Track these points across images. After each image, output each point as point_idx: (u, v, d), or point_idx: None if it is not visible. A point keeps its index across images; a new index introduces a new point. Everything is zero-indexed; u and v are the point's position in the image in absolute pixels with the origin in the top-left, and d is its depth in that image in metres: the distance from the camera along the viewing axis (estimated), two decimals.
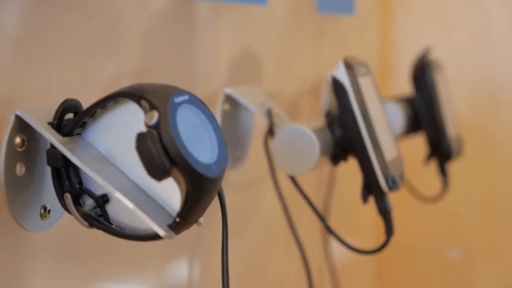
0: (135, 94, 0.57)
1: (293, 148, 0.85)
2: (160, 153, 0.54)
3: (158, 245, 0.80)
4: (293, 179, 0.88)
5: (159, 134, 0.55)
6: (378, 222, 0.99)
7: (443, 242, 1.57)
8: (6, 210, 0.60)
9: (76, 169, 0.60)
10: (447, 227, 1.56)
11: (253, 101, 0.91)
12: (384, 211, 0.86)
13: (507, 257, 1.51)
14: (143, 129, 0.55)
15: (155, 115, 0.55)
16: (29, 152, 0.61)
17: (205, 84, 0.91)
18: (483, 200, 1.51)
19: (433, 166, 1.23)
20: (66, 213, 0.62)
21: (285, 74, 1.12)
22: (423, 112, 1.17)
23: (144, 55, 0.79)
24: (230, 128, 0.92)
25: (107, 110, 0.60)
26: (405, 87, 1.27)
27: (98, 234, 0.62)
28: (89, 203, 0.61)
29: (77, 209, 0.60)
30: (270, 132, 0.88)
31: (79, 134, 0.61)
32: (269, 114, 0.90)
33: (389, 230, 0.85)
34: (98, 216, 0.60)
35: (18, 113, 0.60)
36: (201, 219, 0.61)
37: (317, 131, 0.85)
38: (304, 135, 0.84)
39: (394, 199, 1.42)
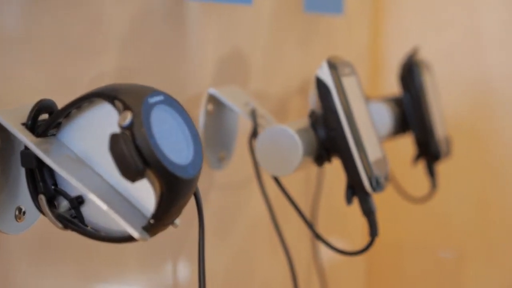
0: (109, 95, 0.57)
1: (276, 148, 0.84)
2: (133, 154, 0.54)
3: (140, 245, 0.79)
4: (276, 180, 0.87)
5: (133, 135, 0.54)
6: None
7: (434, 242, 1.57)
8: None
9: (50, 170, 0.60)
10: (439, 228, 1.56)
11: (237, 101, 0.90)
12: (368, 212, 0.85)
13: (499, 257, 1.51)
14: (117, 130, 0.55)
15: (128, 116, 0.55)
16: (3, 153, 0.61)
17: (191, 84, 0.91)
18: (475, 200, 1.51)
19: (422, 166, 1.22)
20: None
21: (272, 74, 1.12)
22: (411, 112, 1.16)
23: (127, 55, 0.79)
24: (214, 129, 0.92)
25: (82, 110, 0.60)
26: (396, 87, 1.26)
27: (76, 235, 0.61)
28: (64, 204, 0.60)
29: (51, 211, 0.59)
30: (254, 132, 0.88)
31: (54, 135, 0.61)
32: (253, 114, 0.89)
33: (373, 231, 0.85)
34: (73, 218, 0.60)
35: None
36: (178, 221, 0.61)
37: (300, 132, 0.85)
38: (287, 136, 0.84)
39: (386, 199, 1.42)
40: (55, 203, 0.60)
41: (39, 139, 0.59)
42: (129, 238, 0.58)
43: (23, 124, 0.60)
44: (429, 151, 1.17)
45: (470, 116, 1.50)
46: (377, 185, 0.84)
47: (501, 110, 1.47)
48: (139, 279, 0.85)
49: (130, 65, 0.79)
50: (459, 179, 1.51)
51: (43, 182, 0.60)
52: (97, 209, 0.58)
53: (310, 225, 0.89)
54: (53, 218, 0.59)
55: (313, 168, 1.19)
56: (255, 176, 0.91)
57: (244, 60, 1.03)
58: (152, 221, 0.57)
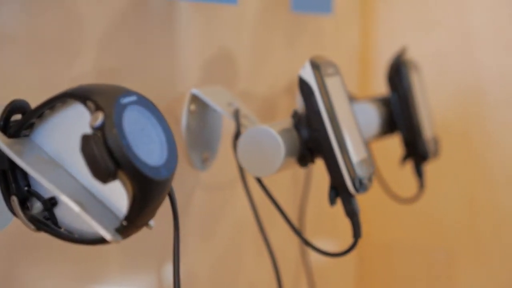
0: (81, 95, 0.56)
1: (258, 149, 0.83)
2: (104, 155, 0.53)
3: (122, 247, 0.79)
4: (259, 181, 0.86)
5: (104, 136, 0.54)
6: None
7: (425, 243, 1.56)
8: None
9: (23, 171, 0.59)
10: (429, 228, 1.55)
11: (219, 102, 0.89)
12: (352, 213, 0.84)
13: (489, 257, 1.50)
14: (89, 130, 0.54)
15: (100, 117, 0.54)
16: None
17: (176, 84, 0.90)
18: (465, 201, 1.50)
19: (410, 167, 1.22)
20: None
21: (259, 74, 1.11)
22: (399, 113, 1.16)
23: (109, 55, 0.78)
24: (197, 129, 0.91)
25: (55, 111, 0.59)
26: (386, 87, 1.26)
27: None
28: (37, 206, 0.60)
29: (24, 213, 0.59)
30: (237, 133, 0.87)
31: (27, 135, 0.60)
32: (236, 114, 0.88)
33: (356, 232, 0.84)
34: (46, 220, 0.59)
35: None
36: (152, 222, 0.60)
37: (283, 132, 0.84)
38: (269, 136, 0.83)
39: (376, 200, 1.41)
40: (28, 204, 0.60)
41: (11, 140, 0.59)
42: (102, 240, 0.58)
43: None
44: (417, 152, 1.17)
45: (459, 116, 1.50)
46: (361, 186, 0.84)
47: (491, 110, 1.47)
48: (121, 280, 0.84)
49: (112, 65, 0.79)
50: (449, 179, 1.51)
51: (15, 184, 0.59)
52: (71, 210, 0.58)
53: (289, 221, 0.88)
54: (25, 219, 0.59)
55: (300, 168, 1.19)
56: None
57: (230, 60, 1.02)
58: (124, 223, 0.56)
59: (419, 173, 1.19)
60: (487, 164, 1.48)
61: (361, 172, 0.84)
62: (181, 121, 0.89)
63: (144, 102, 0.59)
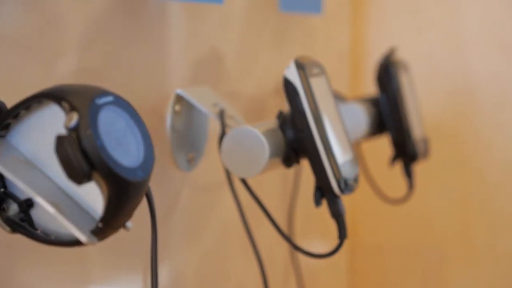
0: (56, 95, 0.56)
1: (243, 149, 0.83)
2: (78, 156, 0.53)
3: (103, 247, 0.78)
4: (244, 182, 0.86)
5: (78, 137, 0.53)
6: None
7: (416, 243, 1.56)
8: None
9: None
10: (421, 229, 1.55)
11: (204, 102, 0.89)
12: (337, 214, 0.84)
13: (481, 257, 1.50)
14: (64, 131, 0.54)
15: (74, 117, 0.54)
16: None
17: (162, 85, 0.90)
18: (457, 201, 1.50)
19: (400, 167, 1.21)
20: None
21: (246, 74, 1.11)
22: (388, 113, 1.15)
23: (89, 55, 0.77)
24: (182, 129, 0.91)
25: (31, 111, 0.58)
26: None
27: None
28: (13, 207, 0.59)
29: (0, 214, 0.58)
30: (223, 133, 0.86)
31: (3, 136, 0.59)
32: (221, 115, 0.88)
33: (342, 233, 0.83)
34: (22, 221, 0.59)
35: None
36: (130, 224, 0.59)
37: (268, 133, 0.83)
38: (254, 136, 0.83)
39: (367, 201, 1.41)
40: (4, 206, 0.59)
41: None
42: (78, 242, 0.57)
43: None
44: (406, 152, 1.16)
45: (451, 117, 1.49)
46: (346, 187, 0.83)
47: (482, 110, 1.46)
48: (103, 282, 0.84)
49: (97, 64, 0.78)
50: (440, 180, 1.50)
51: None
52: (47, 212, 0.57)
53: (273, 221, 0.88)
54: (0, 221, 0.58)
55: (290, 169, 1.18)
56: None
57: (216, 60, 1.02)
58: (100, 225, 0.56)
59: (408, 173, 1.19)
60: (478, 164, 1.47)
61: (346, 172, 0.84)
62: (166, 121, 0.88)
63: (121, 103, 0.58)
